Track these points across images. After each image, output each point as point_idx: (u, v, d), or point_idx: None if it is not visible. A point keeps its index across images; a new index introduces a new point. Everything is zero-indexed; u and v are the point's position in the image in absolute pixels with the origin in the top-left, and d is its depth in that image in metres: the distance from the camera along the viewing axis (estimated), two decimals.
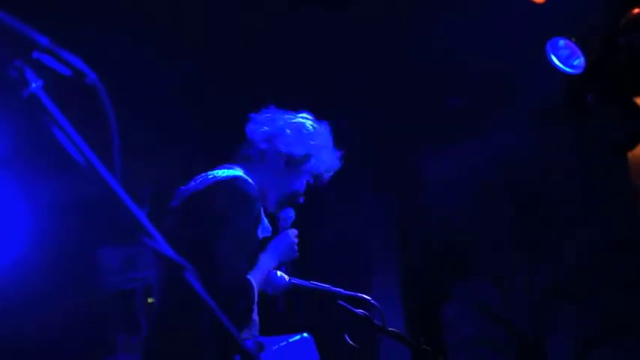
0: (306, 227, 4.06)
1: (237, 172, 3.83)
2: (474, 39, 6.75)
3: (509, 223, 9.05)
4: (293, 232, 3.95)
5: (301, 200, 4.04)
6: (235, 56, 7.08)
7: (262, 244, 3.81)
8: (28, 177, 7.12)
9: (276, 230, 3.98)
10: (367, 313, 3.22)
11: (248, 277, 3.61)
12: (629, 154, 8.04)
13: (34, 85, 1.63)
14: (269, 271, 3.65)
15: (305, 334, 3.70)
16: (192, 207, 3.70)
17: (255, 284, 3.61)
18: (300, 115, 4.07)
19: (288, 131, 3.96)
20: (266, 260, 3.77)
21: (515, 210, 9.02)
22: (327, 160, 4.04)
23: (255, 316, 3.66)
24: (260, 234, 3.79)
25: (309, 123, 4.03)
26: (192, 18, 6.59)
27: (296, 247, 3.90)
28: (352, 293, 3.22)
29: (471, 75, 7.73)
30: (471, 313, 9.36)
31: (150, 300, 7.76)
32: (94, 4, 6.07)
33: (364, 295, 3.24)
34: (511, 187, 8.83)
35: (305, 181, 4.03)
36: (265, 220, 3.89)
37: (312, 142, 3.97)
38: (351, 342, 3.26)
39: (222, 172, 3.80)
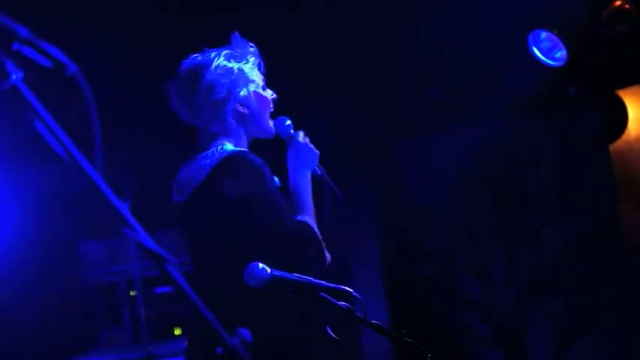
0: None
1: (228, 146, 3.75)
2: (456, 30, 6.74)
3: (488, 214, 9.06)
4: (299, 134, 3.92)
5: (274, 98, 3.96)
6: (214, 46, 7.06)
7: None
8: (11, 168, 7.10)
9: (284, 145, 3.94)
10: (349, 306, 3.21)
11: (299, 218, 3.64)
12: (611, 147, 8.07)
13: (14, 76, 1.62)
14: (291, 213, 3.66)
15: None
16: (211, 198, 3.64)
17: (307, 218, 3.66)
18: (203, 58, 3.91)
19: (220, 81, 3.81)
20: (297, 181, 3.80)
21: (494, 201, 9.03)
22: (249, 64, 3.90)
23: (327, 252, 3.67)
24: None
25: (219, 60, 3.85)
26: (170, 6, 6.58)
27: (311, 145, 3.89)
28: (334, 285, 3.20)
29: (452, 66, 7.73)
30: (452, 305, 9.38)
31: (132, 293, 7.74)
32: None
33: (346, 288, 3.23)
34: (490, 178, 8.83)
35: (262, 87, 3.93)
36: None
37: (233, 74, 3.83)
38: (333, 335, 3.25)
39: (215, 151, 3.73)
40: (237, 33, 3.92)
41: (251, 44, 3.94)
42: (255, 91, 3.85)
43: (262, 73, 3.97)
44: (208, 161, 3.68)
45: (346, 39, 7.13)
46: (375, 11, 7.03)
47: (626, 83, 7.72)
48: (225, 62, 3.81)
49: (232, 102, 3.79)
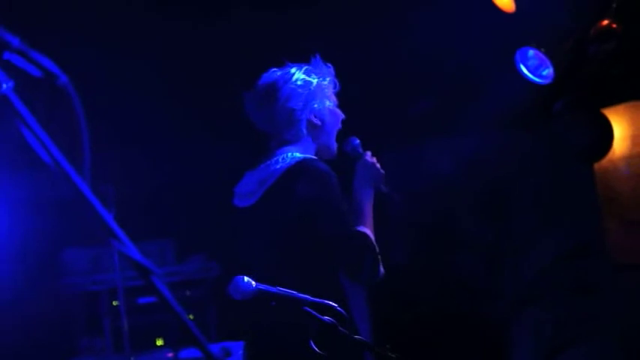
0: None
1: (296, 154, 3.94)
2: (445, 42, 6.78)
3: (473, 227, 9.07)
4: (367, 154, 4.12)
5: (343, 118, 4.21)
6: (198, 59, 7.07)
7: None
8: None
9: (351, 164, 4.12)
10: (333, 320, 3.21)
11: (359, 229, 3.79)
12: (595, 165, 8.10)
13: (4, 86, 1.61)
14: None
15: None
16: (282, 201, 3.81)
17: (367, 230, 3.82)
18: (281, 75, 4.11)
19: (298, 91, 4.04)
20: (361, 196, 3.98)
21: (480, 214, 9.04)
22: (325, 82, 4.15)
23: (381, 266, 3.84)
24: None
25: (299, 74, 4.10)
26: (157, 14, 6.59)
27: (378, 165, 4.11)
28: (318, 300, 3.21)
29: (439, 78, 7.77)
30: (434, 316, 9.38)
31: (115, 303, 7.70)
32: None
33: (331, 302, 3.23)
34: (476, 191, 8.84)
35: (334, 106, 4.17)
36: None
37: (312, 87, 4.08)
38: (317, 349, 3.25)
39: (285, 157, 3.91)
40: (318, 55, 4.19)
41: (329, 65, 4.21)
42: (329, 107, 4.09)
43: (335, 94, 4.21)
44: (279, 166, 3.87)
45: (332, 48, 7.13)
46: (363, 20, 7.06)
47: (612, 102, 7.75)
48: (304, 76, 4.05)
49: (308, 112, 4.01)
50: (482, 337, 9.10)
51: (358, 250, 3.72)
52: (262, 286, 3.05)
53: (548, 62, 6.66)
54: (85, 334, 7.85)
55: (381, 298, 9.22)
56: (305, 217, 3.72)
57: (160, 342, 7.75)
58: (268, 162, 3.94)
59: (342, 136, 4.22)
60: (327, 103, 4.10)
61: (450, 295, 9.33)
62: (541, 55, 6.66)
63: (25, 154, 1.68)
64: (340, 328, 3.22)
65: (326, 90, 4.11)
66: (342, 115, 4.18)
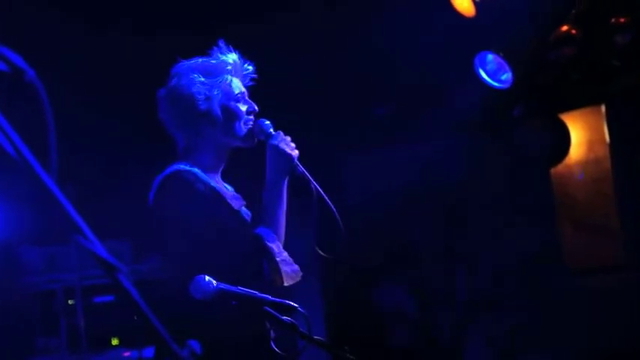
0: None
1: (180, 164, 3.71)
2: (404, 48, 6.78)
3: (429, 232, 9.11)
4: (278, 134, 3.81)
5: (254, 110, 3.87)
6: (162, 61, 7.03)
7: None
8: None
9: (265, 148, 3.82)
10: (293, 321, 3.20)
11: (255, 232, 3.62)
12: (552, 169, 8.16)
13: None
14: (274, 207, 3.70)
15: None
16: (155, 215, 3.69)
17: (263, 234, 3.62)
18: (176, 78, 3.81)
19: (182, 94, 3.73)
20: (267, 190, 3.74)
21: (436, 219, 9.08)
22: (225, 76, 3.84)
23: (286, 267, 3.65)
24: (235, 206, 3.75)
25: (187, 74, 3.77)
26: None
27: (292, 145, 3.79)
28: (279, 300, 3.20)
29: (399, 83, 7.78)
30: (390, 322, 9.41)
31: (70, 302, 7.65)
32: None
33: (291, 302, 3.23)
34: (432, 196, 8.88)
35: (238, 101, 3.83)
36: (228, 189, 3.84)
37: (200, 79, 3.74)
38: (277, 350, 3.24)
39: (170, 167, 3.72)
40: (221, 40, 3.85)
41: (233, 52, 3.87)
42: (222, 104, 3.77)
43: (246, 83, 3.93)
44: (158, 177, 3.70)
45: (293, 52, 7.14)
46: (323, 25, 7.05)
47: (570, 107, 7.82)
48: (192, 73, 3.75)
49: (195, 115, 3.73)
50: (435, 342, 9.14)
51: (245, 258, 3.56)
52: (223, 286, 3.04)
53: (507, 67, 6.69)
54: (41, 333, 7.78)
55: (336, 299, 9.28)
56: (177, 232, 3.57)
57: (115, 341, 7.70)
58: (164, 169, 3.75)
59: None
60: (217, 100, 3.75)
61: (402, 299, 9.37)
62: (500, 59, 6.70)
63: None
64: (300, 329, 3.22)
65: (217, 86, 3.75)
66: (246, 108, 3.83)
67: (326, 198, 3.87)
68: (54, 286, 7.80)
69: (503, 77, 6.77)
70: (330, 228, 3.93)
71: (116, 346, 7.70)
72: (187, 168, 3.69)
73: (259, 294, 3.17)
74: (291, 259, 3.70)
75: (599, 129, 7.99)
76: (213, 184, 3.71)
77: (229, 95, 3.79)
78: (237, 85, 3.85)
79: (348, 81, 7.65)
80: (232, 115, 3.78)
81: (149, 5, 6.62)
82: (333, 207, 3.87)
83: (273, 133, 3.82)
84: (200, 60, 3.81)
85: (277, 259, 3.62)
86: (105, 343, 7.68)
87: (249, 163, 3.90)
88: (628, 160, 7.95)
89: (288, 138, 3.82)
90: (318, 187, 3.85)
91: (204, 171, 3.72)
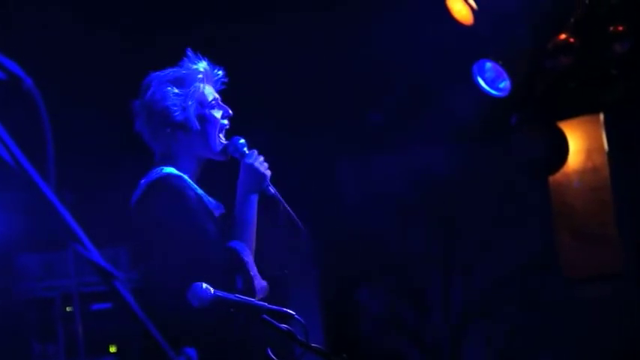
0: None
1: (166, 169, 3.73)
2: (402, 54, 6.78)
3: (425, 239, 9.10)
4: (252, 153, 3.81)
5: (228, 115, 3.88)
6: (161, 65, 7.04)
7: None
8: None
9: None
10: (291, 329, 3.20)
11: (229, 245, 3.60)
12: (550, 178, 8.16)
13: None
14: (248, 225, 3.68)
15: None
16: (139, 219, 3.71)
17: (239, 247, 3.60)
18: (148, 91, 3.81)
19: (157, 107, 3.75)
20: (239, 205, 3.74)
21: (432, 226, 9.08)
22: (191, 83, 3.81)
23: (259, 282, 3.61)
24: (216, 214, 3.75)
25: (159, 85, 3.78)
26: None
27: (265, 165, 3.79)
28: (277, 308, 3.20)
29: (396, 90, 7.78)
30: (387, 329, 9.40)
31: (68, 309, 7.64)
32: None
33: (289, 310, 3.23)
34: (429, 203, 8.87)
35: (213, 108, 3.83)
36: (210, 199, 3.83)
37: (175, 91, 3.75)
38: (274, 357, 3.24)
39: (154, 172, 3.72)
40: (190, 49, 3.86)
41: (202, 60, 3.87)
42: (198, 113, 3.77)
43: (218, 88, 3.93)
44: (144, 181, 3.71)
45: (288, 57, 7.14)
46: (318, 30, 7.05)
47: (568, 115, 7.81)
48: (166, 86, 3.76)
49: (172, 126, 3.74)
50: (433, 350, 9.13)
51: (222, 272, 3.51)
52: (221, 293, 3.04)
53: (505, 75, 6.69)
54: (38, 340, 7.77)
55: (334, 307, 9.27)
56: (162, 239, 3.60)
57: (113, 349, 7.70)
58: (146, 176, 3.76)
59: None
60: (193, 109, 3.75)
61: (400, 308, 9.36)
62: (498, 67, 6.70)
63: None
64: (297, 336, 3.22)
65: (192, 95, 3.75)
66: (221, 114, 3.84)
67: (295, 217, 3.94)
68: (52, 293, 7.79)
69: (502, 85, 6.77)
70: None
71: (114, 353, 7.70)
72: (176, 173, 3.71)
73: (257, 302, 3.17)
74: (259, 275, 3.67)
75: (598, 137, 8.00)
76: (199, 191, 3.75)
77: (204, 103, 3.80)
78: (210, 92, 3.86)
79: (345, 87, 7.65)
80: (208, 123, 3.80)
81: (149, 5, 6.62)
82: (301, 224, 3.92)
83: (247, 152, 3.83)
84: (171, 71, 3.83)
85: (251, 273, 3.60)
86: (103, 351, 7.68)
87: (215, 174, 3.91)
88: (626, 168, 7.96)
89: (261, 158, 3.83)
90: (288, 207, 3.90)
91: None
